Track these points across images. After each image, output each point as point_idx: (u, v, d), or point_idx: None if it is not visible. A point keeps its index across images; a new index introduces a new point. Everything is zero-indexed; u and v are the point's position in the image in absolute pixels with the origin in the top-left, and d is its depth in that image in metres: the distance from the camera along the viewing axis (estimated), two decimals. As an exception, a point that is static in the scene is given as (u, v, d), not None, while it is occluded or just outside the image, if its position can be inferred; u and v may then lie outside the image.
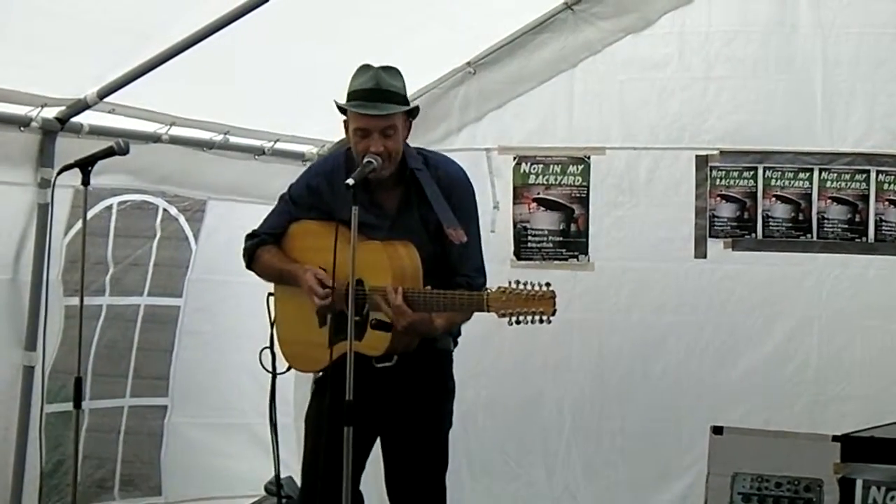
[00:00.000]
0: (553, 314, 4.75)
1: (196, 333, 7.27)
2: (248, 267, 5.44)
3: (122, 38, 5.55)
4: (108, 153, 5.26)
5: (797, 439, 5.99)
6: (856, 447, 5.54)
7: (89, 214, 6.42)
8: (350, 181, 4.71)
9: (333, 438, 4.81)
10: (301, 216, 5.34)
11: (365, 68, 5.08)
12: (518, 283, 4.79)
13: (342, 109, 5.08)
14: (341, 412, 4.69)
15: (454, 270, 5.15)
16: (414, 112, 5.17)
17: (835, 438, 5.65)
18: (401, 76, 5.12)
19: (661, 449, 7.01)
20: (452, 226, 5.03)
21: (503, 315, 4.79)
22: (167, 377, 7.24)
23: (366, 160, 4.93)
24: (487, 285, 5.04)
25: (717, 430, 6.08)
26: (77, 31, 5.32)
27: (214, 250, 7.12)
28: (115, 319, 7.15)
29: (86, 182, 5.21)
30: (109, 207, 6.75)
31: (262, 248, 5.36)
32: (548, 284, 4.77)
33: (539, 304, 4.75)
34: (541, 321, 4.77)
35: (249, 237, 5.43)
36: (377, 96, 5.01)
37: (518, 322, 4.78)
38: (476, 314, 5.00)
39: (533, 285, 4.78)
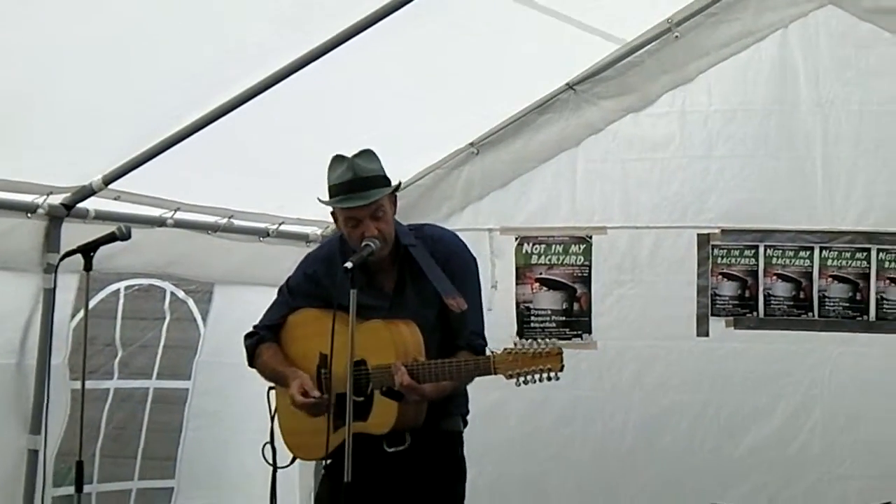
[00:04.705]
0: (561, 370, 4.75)
1: (204, 415, 7.23)
2: (251, 366, 5.43)
3: (126, 128, 5.64)
4: (110, 239, 5.24)
5: (799, 517, 5.98)
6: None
7: (97, 299, 6.55)
8: (348, 264, 4.70)
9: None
10: (300, 305, 5.33)
11: (339, 160, 5.04)
12: (523, 342, 4.80)
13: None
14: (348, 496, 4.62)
15: (455, 336, 5.13)
16: (397, 187, 5.14)
17: (836, 516, 5.64)
18: (376, 157, 5.07)
19: (665, 527, 6.98)
20: (451, 295, 5.02)
21: (510, 376, 4.77)
22: (175, 458, 7.21)
23: (364, 244, 4.93)
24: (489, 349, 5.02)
25: (719, 509, 6.08)
26: (82, 121, 5.42)
27: (223, 332, 7.08)
28: (124, 401, 7.12)
29: (88, 267, 5.18)
30: (117, 292, 6.75)
31: (261, 347, 5.36)
32: (553, 342, 4.78)
33: (547, 361, 4.75)
34: (549, 378, 4.76)
35: (248, 336, 5.42)
36: (358, 185, 4.98)
37: (526, 382, 4.77)
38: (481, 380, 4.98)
39: (539, 343, 4.79)
